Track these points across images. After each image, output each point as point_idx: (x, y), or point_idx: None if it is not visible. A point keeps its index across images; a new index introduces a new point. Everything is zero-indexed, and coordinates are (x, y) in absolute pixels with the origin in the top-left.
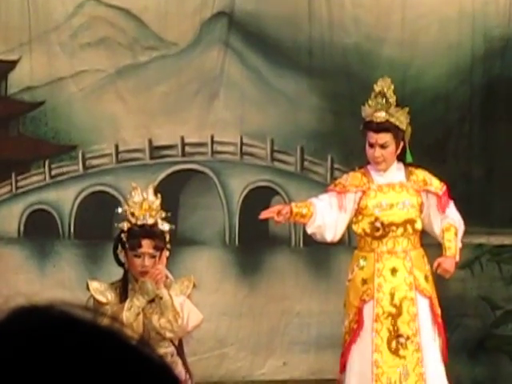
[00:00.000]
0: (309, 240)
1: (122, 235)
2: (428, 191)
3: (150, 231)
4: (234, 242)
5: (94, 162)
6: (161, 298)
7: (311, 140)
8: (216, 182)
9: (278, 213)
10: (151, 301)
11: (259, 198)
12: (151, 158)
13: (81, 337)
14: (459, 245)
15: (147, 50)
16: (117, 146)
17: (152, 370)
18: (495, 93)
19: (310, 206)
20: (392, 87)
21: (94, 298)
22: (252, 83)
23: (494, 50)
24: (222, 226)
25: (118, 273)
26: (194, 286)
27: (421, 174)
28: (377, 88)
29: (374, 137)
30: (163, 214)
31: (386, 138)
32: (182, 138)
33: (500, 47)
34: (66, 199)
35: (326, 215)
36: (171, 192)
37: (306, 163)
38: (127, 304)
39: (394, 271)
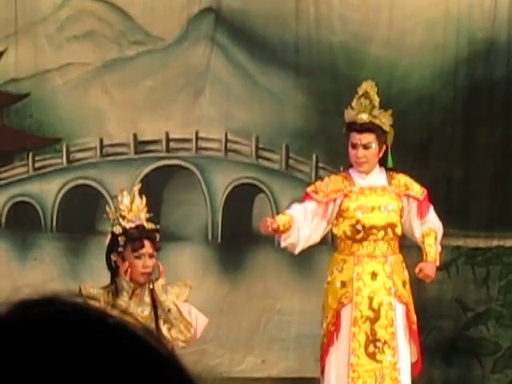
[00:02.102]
0: None
1: (119, 239)
2: (409, 196)
3: (149, 232)
4: (217, 238)
5: (78, 155)
6: (169, 311)
7: (296, 138)
8: (200, 178)
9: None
10: (155, 309)
11: (243, 195)
12: (136, 152)
13: (91, 328)
14: (439, 249)
15: (134, 44)
16: (101, 140)
17: (165, 364)
18: (477, 96)
19: (290, 221)
20: (376, 89)
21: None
22: (238, 80)
23: (477, 53)
24: (204, 222)
25: (98, 267)
26: (190, 288)
27: (402, 179)
28: (360, 90)
29: (357, 137)
30: (148, 215)
31: (369, 138)
32: (167, 134)
33: (483, 50)
34: (49, 192)
35: (301, 231)
36: (155, 187)
37: (290, 161)
38: (110, 304)
39: (373, 275)
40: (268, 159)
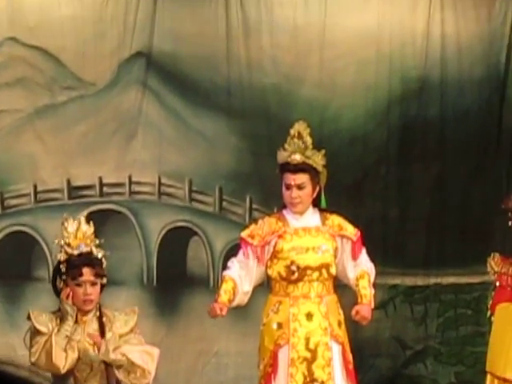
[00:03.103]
0: None
1: (61, 266)
2: (343, 236)
3: (89, 259)
4: (152, 282)
5: (13, 201)
6: (121, 366)
7: (230, 180)
8: (134, 222)
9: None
10: (102, 336)
11: (177, 238)
12: (69, 197)
13: None
14: (372, 291)
15: (65, 89)
16: (35, 186)
17: None
18: (411, 134)
19: (234, 288)
20: (308, 130)
21: (35, 328)
22: (170, 123)
23: (410, 92)
24: (140, 266)
25: None
26: (137, 315)
27: (336, 220)
28: (293, 131)
29: (290, 177)
30: (97, 242)
31: (303, 178)
32: (100, 178)
33: (416, 89)
34: None
35: (244, 289)
36: None
37: (224, 204)
38: (56, 329)
39: (309, 316)
40: (202, 202)
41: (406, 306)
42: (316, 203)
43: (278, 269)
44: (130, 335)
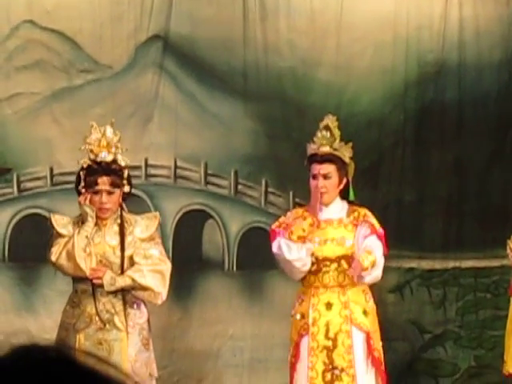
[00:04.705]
0: (242, 264)
1: (81, 172)
2: (366, 222)
3: (107, 168)
4: None
5: (29, 184)
6: (133, 288)
7: (245, 164)
8: (150, 205)
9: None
10: (122, 240)
11: (193, 221)
12: None
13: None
14: (371, 273)
15: (82, 72)
16: (51, 169)
17: None
18: (428, 118)
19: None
20: (337, 123)
21: (56, 231)
22: (186, 107)
23: (427, 75)
24: None
25: (51, 296)
26: (159, 221)
27: (362, 211)
28: (322, 124)
29: (317, 168)
30: (123, 150)
31: (329, 168)
32: None
33: (433, 72)
34: (0, 222)
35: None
36: None
37: (239, 187)
38: (77, 229)
39: (328, 305)
40: (217, 185)
41: (424, 290)
42: (344, 195)
43: None
44: (150, 243)
